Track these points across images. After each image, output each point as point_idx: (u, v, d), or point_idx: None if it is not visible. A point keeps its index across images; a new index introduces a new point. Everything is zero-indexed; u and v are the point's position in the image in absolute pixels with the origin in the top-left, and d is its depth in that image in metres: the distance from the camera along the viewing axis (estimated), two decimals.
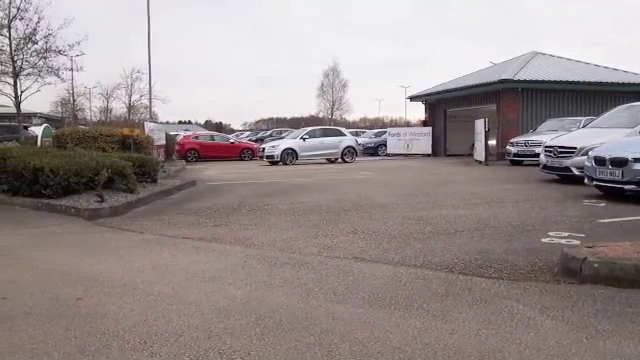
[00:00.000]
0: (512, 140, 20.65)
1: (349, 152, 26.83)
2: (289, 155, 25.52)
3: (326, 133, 27.92)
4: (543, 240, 6.40)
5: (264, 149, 27.03)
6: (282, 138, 30.17)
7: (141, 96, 57.28)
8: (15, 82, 16.07)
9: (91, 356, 3.35)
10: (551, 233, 6.77)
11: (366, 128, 60.91)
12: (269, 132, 49.18)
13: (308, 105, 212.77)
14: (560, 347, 3.39)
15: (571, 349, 3.36)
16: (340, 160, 26.55)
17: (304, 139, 26.49)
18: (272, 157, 25.57)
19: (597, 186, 10.10)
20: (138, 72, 55.38)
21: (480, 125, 22.33)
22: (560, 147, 12.77)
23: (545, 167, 13.28)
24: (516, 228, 7.22)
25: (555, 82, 24.77)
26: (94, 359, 3.31)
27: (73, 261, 5.98)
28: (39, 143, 16.24)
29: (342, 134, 28.49)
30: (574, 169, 12.08)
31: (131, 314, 4.11)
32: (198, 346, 3.47)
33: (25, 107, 17.98)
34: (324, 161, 26.63)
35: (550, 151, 13.04)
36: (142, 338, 3.62)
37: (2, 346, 3.53)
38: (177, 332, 3.71)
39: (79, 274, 5.35)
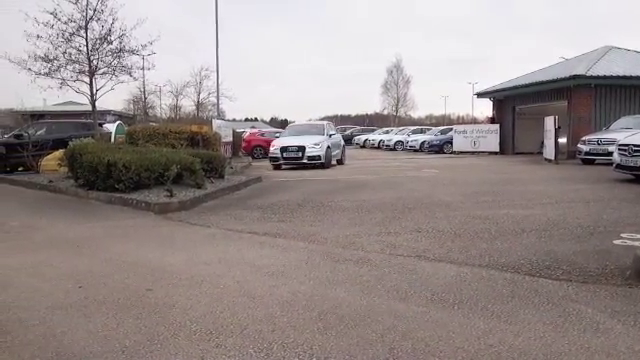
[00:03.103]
0: (584, 138, 19.91)
1: (344, 153, 23.53)
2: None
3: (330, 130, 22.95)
4: (615, 242, 6.17)
5: (286, 148, 20.26)
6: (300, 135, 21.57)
7: (209, 94, 58.62)
8: (91, 81, 16.70)
9: (160, 345, 3.48)
10: (624, 235, 6.51)
11: (431, 125, 60.09)
12: None
13: (372, 102, 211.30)
14: (632, 353, 3.27)
15: None
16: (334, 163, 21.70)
17: (330, 136, 21.59)
18: (317, 158, 19.78)
19: None
20: (206, 70, 56.72)
21: (550, 122, 21.67)
22: (635, 145, 12.25)
23: (619, 166, 12.77)
24: (586, 229, 6.99)
25: (631, 77, 23.70)
26: (163, 348, 3.44)
27: (143, 253, 6.21)
28: (112, 139, 16.84)
29: (336, 132, 24.86)
30: None
31: (198, 306, 4.24)
32: (262, 339, 3.54)
33: (99, 105, 18.64)
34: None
35: (624, 150, 12.54)
36: (208, 329, 3.72)
37: (78, 333, 3.71)
38: (242, 324, 3.80)
39: (149, 266, 5.56)
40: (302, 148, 19.99)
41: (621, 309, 4.03)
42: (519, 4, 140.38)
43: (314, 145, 20.04)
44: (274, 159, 20.60)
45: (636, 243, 6.04)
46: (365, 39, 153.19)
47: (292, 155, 20.13)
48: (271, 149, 21.03)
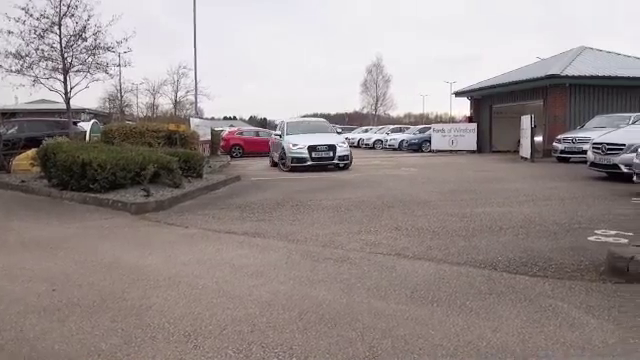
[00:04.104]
0: (559, 137, 20.18)
1: None
2: None
3: None
4: (589, 239, 6.26)
5: (314, 147, 17.55)
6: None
7: (187, 92, 58.17)
8: (65, 78, 16.40)
9: (137, 347, 3.44)
10: (598, 231, 6.61)
11: (410, 124, 60.27)
12: None
13: (352, 101, 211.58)
14: (606, 347, 3.33)
15: (616, 349, 3.30)
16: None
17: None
18: (345, 158, 17.85)
19: None
20: (184, 68, 56.23)
21: (526, 121, 21.94)
22: (608, 144, 12.45)
23: (593, 164, 12.97)
24: (562, 226, 7.08)
25: (604, 77, 24.03)
26: (140, 350, 3.39)
27: (120, 254, 6.13)
28: (87, 138, 16.60)
29: None
30: (623, 166, 11.78)
31: (176, 307, 4.19)
32: (241, 339, 3.52)
33: (74, 103, 18.35)
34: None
35: (598, 148, 12.73)
36: (186, 331, 3.69)
37: (52, 336, 3.65)
38: (221, 325, 3.77)
39: (125, 267, 5.49)
40: (333, 147, 17.62)
41: (595, 304, 4.09)
42: (506, 6, 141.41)
43: (342, 143, 18.06)
44: (299, 160, 17.58)
45: (610, 239, 6.14)
46: (346, 39, 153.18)
47: (323, 155, 17.58)
48: (292, 148, 17.80)
